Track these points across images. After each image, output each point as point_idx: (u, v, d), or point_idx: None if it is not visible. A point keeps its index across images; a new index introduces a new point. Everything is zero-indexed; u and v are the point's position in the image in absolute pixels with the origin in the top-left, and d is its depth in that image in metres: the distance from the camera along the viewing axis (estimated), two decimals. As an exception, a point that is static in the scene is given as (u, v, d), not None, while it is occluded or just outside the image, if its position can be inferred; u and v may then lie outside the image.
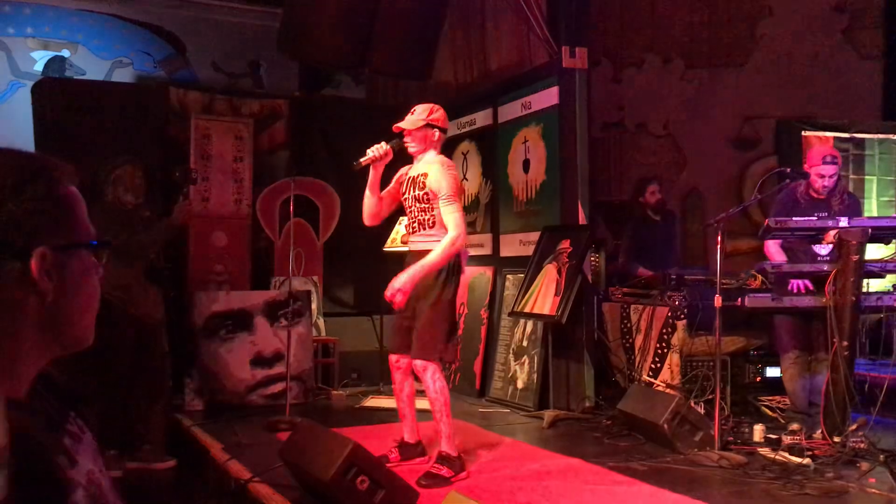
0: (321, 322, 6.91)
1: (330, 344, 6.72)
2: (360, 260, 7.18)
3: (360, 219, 7.35)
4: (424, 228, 4.04)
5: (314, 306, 6.66)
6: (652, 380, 5.32)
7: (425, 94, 7.94)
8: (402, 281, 3.85)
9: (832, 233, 4.24)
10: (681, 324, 5.21)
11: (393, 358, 4.19)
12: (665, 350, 5.28)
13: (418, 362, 3.98)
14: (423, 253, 3.96)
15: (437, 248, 3.88)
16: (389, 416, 5.63)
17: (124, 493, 1.49)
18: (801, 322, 4.73)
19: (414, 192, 4.04)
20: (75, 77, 7.96)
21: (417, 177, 4.04)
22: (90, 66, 8.18)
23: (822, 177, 4.65)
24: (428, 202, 4.00)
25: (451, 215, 3.92)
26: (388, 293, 3.89)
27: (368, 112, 7.59)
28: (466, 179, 7.24)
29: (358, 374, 6.88)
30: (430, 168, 4.00)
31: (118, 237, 4.85)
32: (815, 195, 4.71)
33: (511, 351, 6.21)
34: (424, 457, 4.23)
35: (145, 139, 6.53)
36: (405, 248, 6.60)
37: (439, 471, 3.89)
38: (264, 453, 4.21)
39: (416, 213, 4.05)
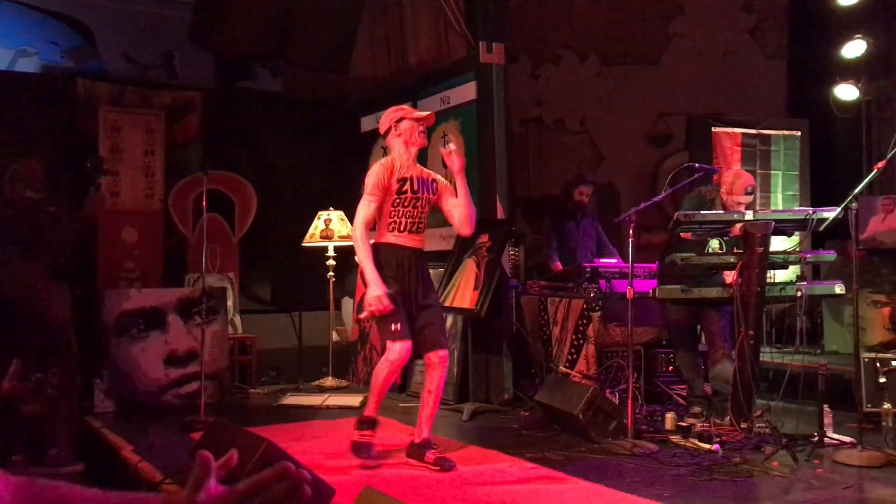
0: (237, 319, 6.79)
1: (247, 341, 6.60)
2: (278, 256, 7.09)
3: (277, 213, 7.27)
4: (423, 229, 4.17)
5: (230, 303, 6.53)
6: (569, 371, 5.40)
7: (344, 88, 7.89)
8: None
9: (738, 226, 4.38)
10: (596, 315, 5.30)
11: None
12: (581, 341, 5.37)
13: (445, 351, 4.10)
14: (420, 252, 4.14)
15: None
16: (308, 413, 5.58)
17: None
18: (689, 312, 4.92)
19: (427, 193, 4.12)
20: (-26, 66, 7.60)
21: (430, 179, 4.15)
22: (-9, 54, 7.82)
23: (741, 205, 4.85)
24: (430, 205, 4.16)
25: None
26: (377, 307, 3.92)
27: (286, 105, 7.50)
28: (386, 174, 7.21)
29: (277, 371, 6.78)
30: (431, 172, 4.23)
31: (20, 234, 4.67)
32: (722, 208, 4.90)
33: (431, 345, 6.22)
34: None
35: (51, 132, 6.30)
36: (325, 244, 6.57)
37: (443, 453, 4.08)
38: (178, 454, 4.10)
39: (423, 215, 4.13)
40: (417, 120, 4.10)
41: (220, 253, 6.49)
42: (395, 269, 4.03)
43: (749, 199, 4.88)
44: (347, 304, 7.51)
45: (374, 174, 4.04)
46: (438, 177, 4.24)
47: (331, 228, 6.58)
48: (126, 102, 6.71)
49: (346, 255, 6.84)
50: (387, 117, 4.16)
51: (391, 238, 4.07)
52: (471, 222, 4.16)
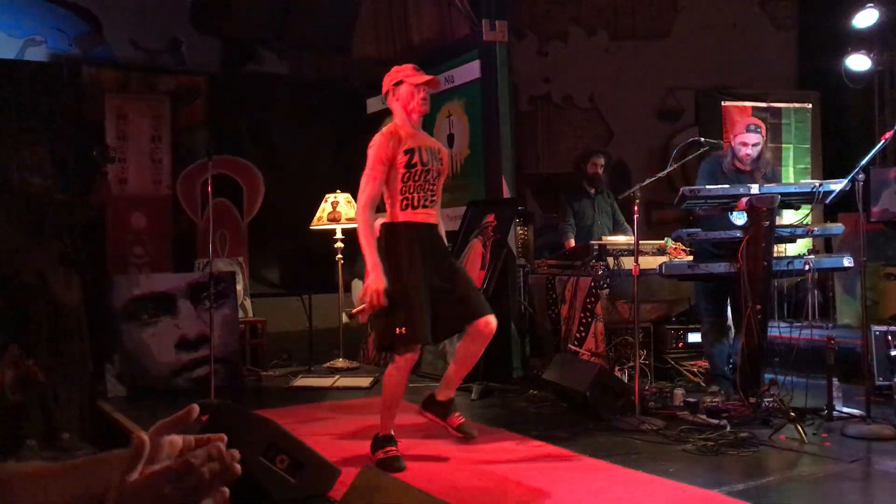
0: (248, 303, 6.82)
1: (258, 325, 6.63)
2: (287, 239, 7.09)
3: (285, 197, 7.25)
4: (437, 203, 3.82)
5: (240, 287, 6.56)
6: (577, 349, 5.39)
7: (349, 69, 7.87)
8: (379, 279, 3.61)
9: (744, 200, 4.32)
10: (604, 293, 5.28)
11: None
12: (589, 319, 5.35)
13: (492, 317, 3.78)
14: (435, 227, 3.81)
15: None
16: (318, 395, 5.62)
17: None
18: (717, 288, 4.83)
19: (437, 164, 3.77)
20: (-17, 56, 7.63)
21: (436, 149, 3.82)
22: (0, 44, 7.84)
23: (746, 145, 4.70)
24: (440, 177, 3.83)
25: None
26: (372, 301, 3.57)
27: (292, 88, 7.48)
28: (393, 155, 7.20)
29: (288, 354, 6.82)
30: (436, 141, 3.95)
31: (29, 221, 4.71)
32: (739, 166, 4.77)
33: (440, 325, 6.22)
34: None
35: (58, 120, 6.33)
36: (333, 226, 6.58)
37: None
38: (187, 437, 4.13)
39: (437, 187, 3.78)
40: (417, 86, 3.70)
41: (229, 237, 6.51)
42: (414, 251, 3.66)
43: (754, 137, 4.69)
44: (357, 285, 7.52)
45: (376, 146, 3.65)
46: (443, 147, 3.93)
47: (338, 211, 6.58)
48: (131, 89, 6.73)
49: (354, 237, 6.81)
50: (387, 77, 3.79)
51: (406, 216, 3.69)
52: None
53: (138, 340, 5.73)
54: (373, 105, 7.48)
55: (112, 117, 6.41)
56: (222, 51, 8.31)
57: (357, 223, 3.70)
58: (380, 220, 3.78)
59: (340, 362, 6.57)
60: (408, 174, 3.66)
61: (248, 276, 6.95)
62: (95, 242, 6.11)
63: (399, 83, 3.73)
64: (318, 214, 6.65)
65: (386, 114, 7.32)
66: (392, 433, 3.77)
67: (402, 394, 3.83)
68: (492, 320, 3.74)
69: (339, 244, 6.60)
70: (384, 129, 3.75)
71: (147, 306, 5.77)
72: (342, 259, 6.64)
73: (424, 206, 3.71)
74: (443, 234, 3.94)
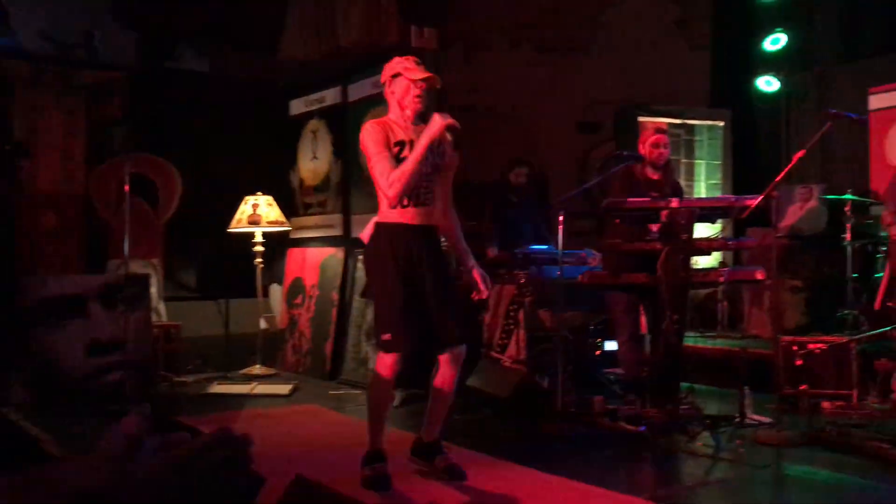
0: (162, 307, 6.62)
1: (172, 329, 6.44)
2: (205, 241, 6.91)
3: (203, 198, 7.09)
4: (437, 201, 3.46)
5: (154, 290, 6.37)
6: (500, 356, 5.44)
7: (273, 69, 7.76)
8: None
9: (664, 213, 4.45)
10: (527, 301, 5.35)
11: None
12: (512, 326, 5.41)
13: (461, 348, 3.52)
14: (431, 230, 3.49)
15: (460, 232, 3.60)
16: (236, 402, 5.49)
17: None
18: (633, 298, 4.96)
19: (433, 158, 3.42)
20: None
21: (436, 142, 3.42)
22: None
23: (658, 145, 4.85)
24: (440, 172, 3.49)
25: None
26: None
27: (212, 86, 7.32)
28: (317, 158, 7.12)
29: (203, 360, 6.65)
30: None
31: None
32: (651, 175, 4.92)
33: (363, 332, 6.19)
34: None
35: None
36: (252, 229, 6.46)
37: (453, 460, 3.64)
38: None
39: (434, 184, 3.45)
40: (415, 81, 3.44)
41: (144, 238, 6.30)
42: (403, 257, 3.39)
43: (662, 138, 4.86)
44: (276, 291, 7.41)
45: (370, 132, 3.39)
46: (446, 140, 3.48)
47: (258, 213, 6.47)
48: (44, 83, 6.46)
49: (274, 240, 6.75)
50: (386, 67, 3.53)
51: (395, 216, 3.39)
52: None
53: (47, 344, 5.48)
54: (296, 107, 7.39)
55: (22, 111, 6.14)
56: (141, 46, 8.07)
57: (395, 185, 3.31)
58: (373, 220, 3.53)
59: (258, 369, 6.44)
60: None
61: (164, 279, 6.75)
62: (3, 241, 5.84)
63: (397, 75, 3.49)
64: (237, 217, 6.52)
65: (309, 117, 7.26)
66: (380, 448, 3.54)
67: (387, 405, 3.66)
68: (457, 352, 3.51)
69: (259, 248, 6.49)
70: (372, 119, 3.52)
71: (56, 309, 5.54)
72: (262, 263, 6.53)
73: (417, 205, 3.40)
74: (459, 234, 3.67)
